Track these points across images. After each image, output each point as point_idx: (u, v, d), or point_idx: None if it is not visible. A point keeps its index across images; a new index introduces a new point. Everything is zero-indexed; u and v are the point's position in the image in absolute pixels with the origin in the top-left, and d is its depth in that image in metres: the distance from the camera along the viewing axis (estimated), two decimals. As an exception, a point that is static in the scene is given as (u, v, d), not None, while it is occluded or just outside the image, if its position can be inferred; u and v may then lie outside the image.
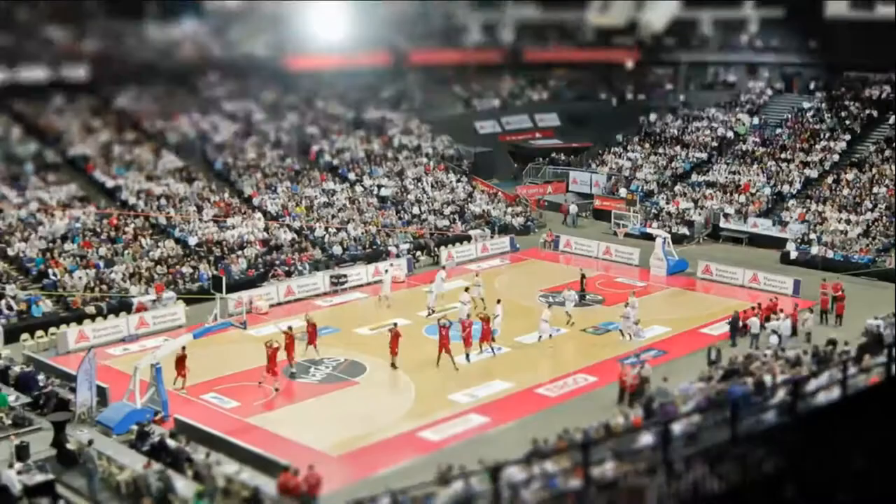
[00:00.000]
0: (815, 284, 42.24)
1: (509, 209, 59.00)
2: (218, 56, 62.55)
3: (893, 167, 55.36)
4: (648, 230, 53.30)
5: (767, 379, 24.97)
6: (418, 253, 51.33)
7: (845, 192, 54.51)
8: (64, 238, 46.44)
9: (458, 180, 62.41)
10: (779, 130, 63.89)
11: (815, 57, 68.92)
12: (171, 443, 27.09)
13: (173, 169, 56.64)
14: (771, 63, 72.36)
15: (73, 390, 30.81)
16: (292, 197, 55.24)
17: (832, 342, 29.72)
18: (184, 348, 33.02)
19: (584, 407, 30.68)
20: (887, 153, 57.15)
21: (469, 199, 59.52)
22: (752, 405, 19.07)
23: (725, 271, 46.94)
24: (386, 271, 45.04)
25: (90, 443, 26.43)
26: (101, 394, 31.34)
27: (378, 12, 64.44)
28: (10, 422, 30.02)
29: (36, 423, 30.08)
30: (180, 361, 33.18)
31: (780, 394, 19.78)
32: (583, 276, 44.64)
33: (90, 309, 40.95)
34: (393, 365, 35.02)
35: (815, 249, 49.37)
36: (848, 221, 51.63)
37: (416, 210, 56.46)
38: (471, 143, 70.81)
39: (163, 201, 51.91)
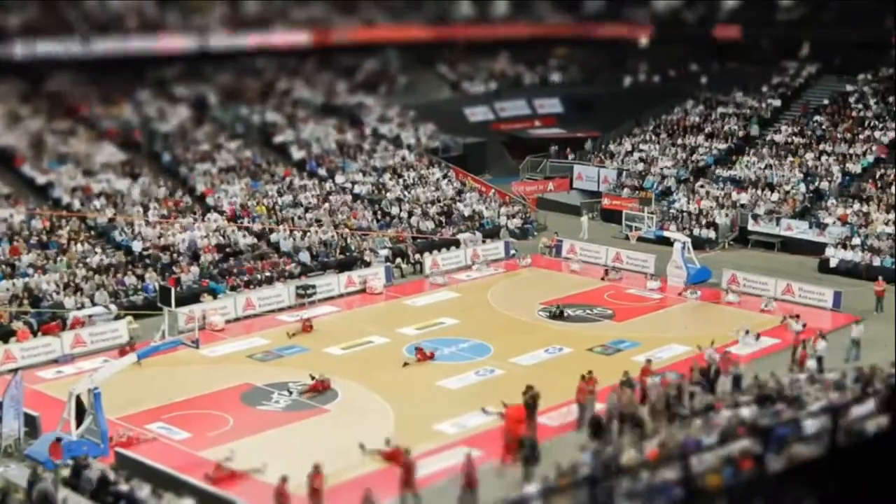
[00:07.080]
0: (859, 296, 42.21)
1: (504, 209, 59.10)
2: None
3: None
4: (665, 233, 53.27)
5: (804, 403, 24.99)
6: (398, 260, 51.30)
7: (894, 189, 54.62)
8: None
9: (445, 176, 62.46)
10: (817, 118, 64.13)
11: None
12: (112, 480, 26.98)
13: (114, 163, 56.53)
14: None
15: (-2, 419, 30.69)
16: (252, 195, 55.22)
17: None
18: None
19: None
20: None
21: (457, 198, 59.63)
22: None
23: (755, 281, 46.97)
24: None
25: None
26: (31, 423, 31.24)
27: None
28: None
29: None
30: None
31: (819, 422, 19.86)
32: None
33: (17, 325, 40.82)
34: None
35: (858, 256, 49.57)
36: (896, 223, 51.78)
37: (395, 210, 56.50)
38: (459, 132, 70.86)
39: (102, 200, 51.79)
